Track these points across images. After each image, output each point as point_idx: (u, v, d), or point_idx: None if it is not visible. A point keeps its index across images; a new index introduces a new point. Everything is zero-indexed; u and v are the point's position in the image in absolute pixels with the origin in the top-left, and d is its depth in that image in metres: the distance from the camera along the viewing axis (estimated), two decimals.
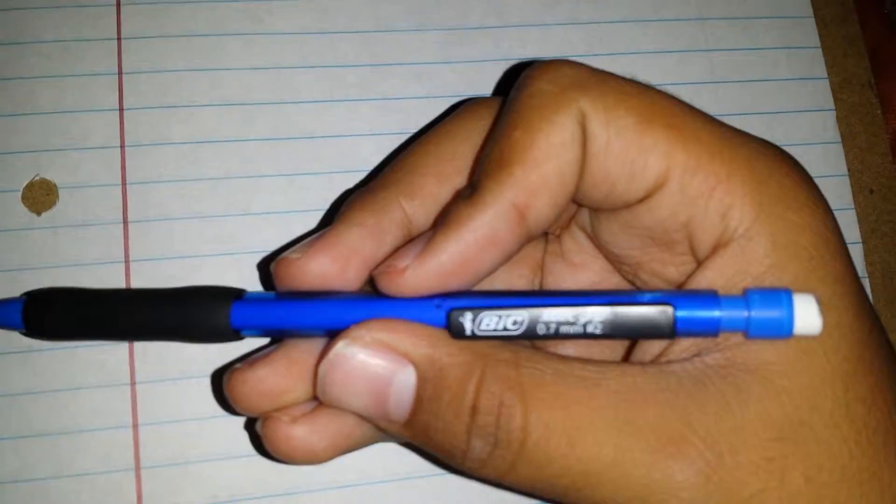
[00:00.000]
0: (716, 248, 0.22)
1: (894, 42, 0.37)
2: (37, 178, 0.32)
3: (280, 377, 0.24)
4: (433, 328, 0.22)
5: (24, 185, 0.31)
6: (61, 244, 0.31)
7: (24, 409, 0.30)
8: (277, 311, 0.24)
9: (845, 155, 0.35)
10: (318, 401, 0.24)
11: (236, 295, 0.25)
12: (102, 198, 0.32)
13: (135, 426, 0.30)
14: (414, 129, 0.34)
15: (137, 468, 0.30)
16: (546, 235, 0.28)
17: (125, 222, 0.32)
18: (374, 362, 0.22)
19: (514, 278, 0.28)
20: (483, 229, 0.22)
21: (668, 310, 0.21)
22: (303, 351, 0.24)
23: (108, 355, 0.30)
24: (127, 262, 0.31)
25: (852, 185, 0.35)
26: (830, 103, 0.36)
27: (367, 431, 0.24)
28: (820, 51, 0.36)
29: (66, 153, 0.32)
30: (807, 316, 0.20)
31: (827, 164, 0.35)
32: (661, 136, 0.22)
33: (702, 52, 0.36)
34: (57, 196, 0.31)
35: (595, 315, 0.22)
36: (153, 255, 0.31)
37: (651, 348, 0.23)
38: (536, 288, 0.27)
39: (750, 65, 0.36)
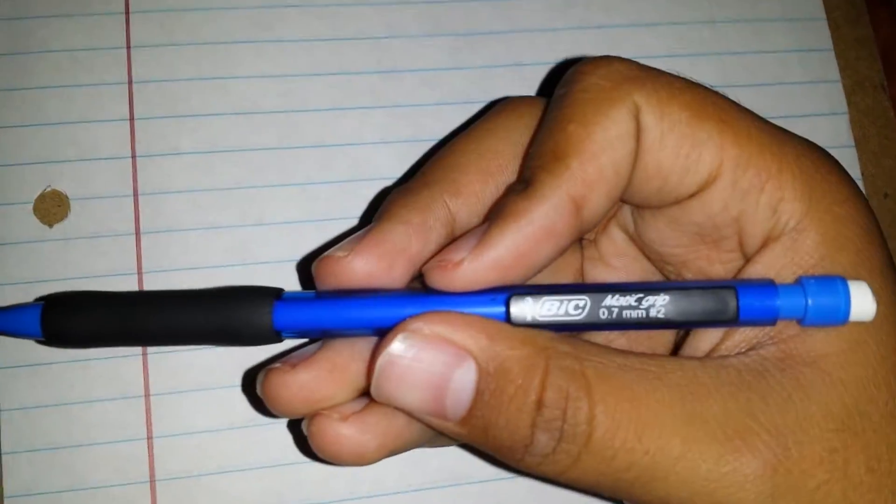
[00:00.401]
0: (766, 242, 0.22)
1: None
2: (48, 189, 0.31)
3: (322, 382, 0.23)
4: (491, 321, 0.21)
5: (36, 196, 0.31)
6: (73, 256, 0.31)
7: (38, 421, 0.30)
8: (322, 310, 0.23)
9: (859, 158, 0.35)
10: (363, 400, 0.23)
11: (276, 295, 0.23)
12: (114, 209, 0.32)
13: (149, 438, 0.30)
14: (425, 136, 0.33)
15: (152, 480, 0.30)
16: (581, 240, 0.28)
17: (137, 233, 0.31)
18: (432, 357, 0.21)
19: None
20: (541, 221, 0.21)
21: (732, 294, 0.21)
22: (345, 354, 0.23)
23: (122, 367, 0.30)
24: (140, 273, 0.31)
25: (866, 189, 0.35)
26: (843, 106, 0.36)
27: (417, 432, 0.24)
28: (832, 53, 0.36)
29: (77, 164, 0.32)
30: (861, 302, 0.21)
31: None
32: (714, 130, 0.22)
33: (713, 55, 0.36)
34: (69, 208, 0.31)
35: (658, 299, 0.21)
36: (166, 267, 0.31)
37: (702, 344, 0.23)
38: None
39: (762, 68, 0.36)
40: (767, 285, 0.22)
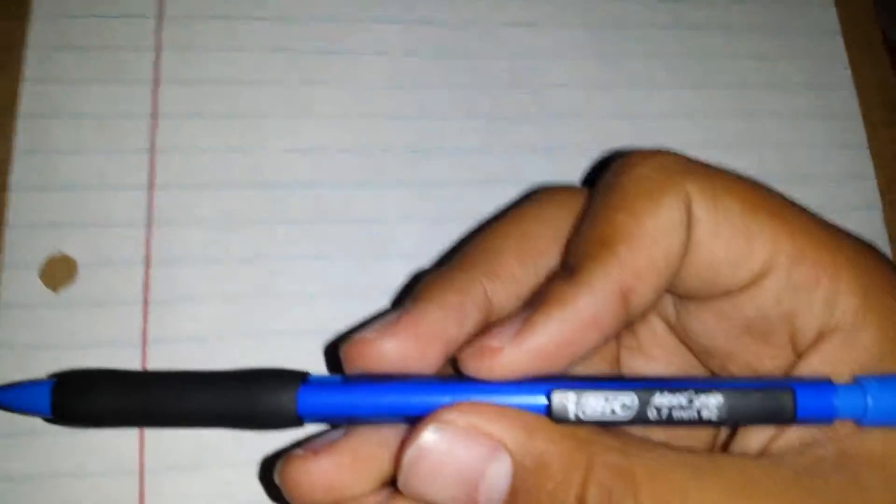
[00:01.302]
0: (820, 337, 0.21)
1: None
2: (57, 253, 0.30)
3: (346, 471, 0.21)
4: (529, 413, 0.20)
5: (44, 260, 0.30)
6: (77, 323, 0.30)
7: (27, 495, 0.28)
8: (349, 396, 0.21)
9: (893, 256, 0.35)
10: (385, 492, 0.22)
11: (301, 378, 0.22)
12: (124, 276, 0.30)
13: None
14: (450, 216, 0.33)
15: None
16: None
17: (145, 302, 0.30)
18: (465, 450, 0.19)
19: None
20: (587, 310, 0.20)
21: (789, 395, 0.20)
22: (372, 443, 0.22)
23: (116, 440, 0.29)
24: (144, 343, 0.30)
25: None
26: (878, 203, 0.35)
27: None
28: (867, 151, 0.36)
29: (89, 229, 0.31)
30: None
31: None
32: (767, 223, 0.22)
33: (747, 147, 0.35)
34: (76, 272, 0.30)
35: (711, 400, 0.20)
36: (172, 337, 0.30)
37: (753, 441, 0.22)
38: None
39: (799, 162, 0.36)
40: (825, 384, 0.21)
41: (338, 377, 0.22)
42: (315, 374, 0.23)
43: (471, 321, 0.22)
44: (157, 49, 0.33)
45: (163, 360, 0.30)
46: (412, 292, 0.23)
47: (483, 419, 0.20)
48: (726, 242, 0.22)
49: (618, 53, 0.36)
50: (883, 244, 0.35)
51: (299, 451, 0.22)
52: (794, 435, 0.21)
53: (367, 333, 0.22)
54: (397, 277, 0.32)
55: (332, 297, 0.31)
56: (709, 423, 0.20)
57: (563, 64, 0.36)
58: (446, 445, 0.19)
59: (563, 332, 0.20)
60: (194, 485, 0.29)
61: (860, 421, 0.20)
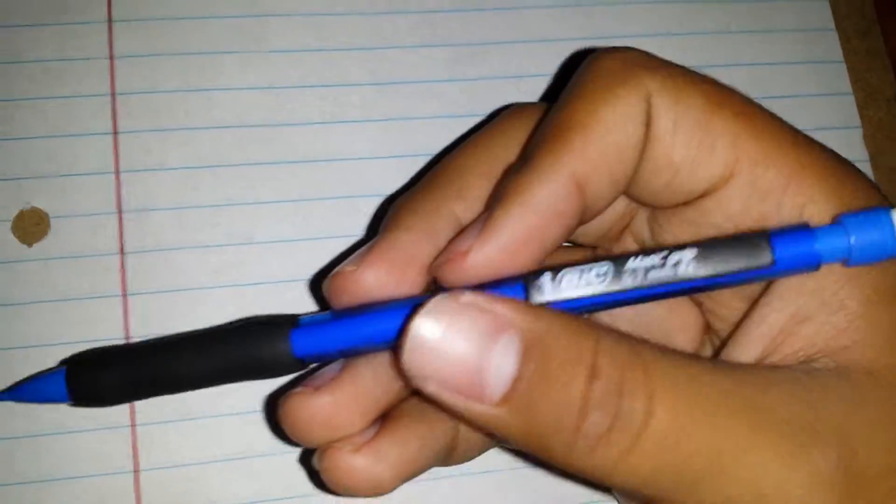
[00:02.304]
0: None
1: None
2: (27, 207, 0.30)
3: (345, 406, 0.22)
4: (528, 302, 0.20)
5: (14, 214, 0.30)
6: (54, 276, 0.30)
7: (21, 453, 0.28)
8: (340, 330, 0.22)
9: (873, 173, 0.34)
10: (374, 427, 0.22)
11: (292, 322, 0.22)
12: (97, 227, 0.30)
13: (136, 471, 0.29)
14: (420, 150, 0.32)
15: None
16: (595, 250, 0.27)
17: (121, 252, 0.30)
18: (469, 326, 0.18)
19: None
20: (545, 201, 0.20)
21: (764, 239, 0.20)
22: (367, 377, 0.22)
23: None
24: (124, 295, 0.30)
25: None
26: (856, 120, 0.35)
27: (432, 455, 0.22)
28: (843, 65, 0.35)
29: (57, 180, 0.30)
30: None
31: None
32: (731, 122, 0.21)
33: (723, 67, 0.35)
34: (49, 226, 0.30)
35: (685, 254, 0.20)
36: (151, 288, 0.30)
37: (746, 353, 0.21)
38: None
39: (772, 80, 0.35)
40: (803, 228, 0.20)
41: (328, 314, 0.23)
42: (305, 315, 0.23)
43: (443, 241, 0.22)
44: None
45: (144, 311, 0.30)
46: (385, 218, 0.23)
47: (486, 298, 0.19)
48: (686, 140, 0.21)
49: None
50: (863, 162, 0.34)
51: (299, 389, 0.22)
52: (789, 349, 0.21)
53: (346, 266, 0.22)
54: (370, 214, 0.31)
55: (306, 239, 0.31)
56: (688, 282, 0.20)
57: None
58: (448, 321, 0.19)
59: (525, 225, 0.20)
60: (191, 480, 0.29)
61: (848, 261, 0.20)
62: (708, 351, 0.25)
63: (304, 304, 0.30)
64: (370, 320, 0.21)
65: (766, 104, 0.34)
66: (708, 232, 0.22)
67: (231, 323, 0.24)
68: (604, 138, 0.21)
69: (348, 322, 0.22)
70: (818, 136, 0.34)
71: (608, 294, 0.20)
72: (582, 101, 0.21)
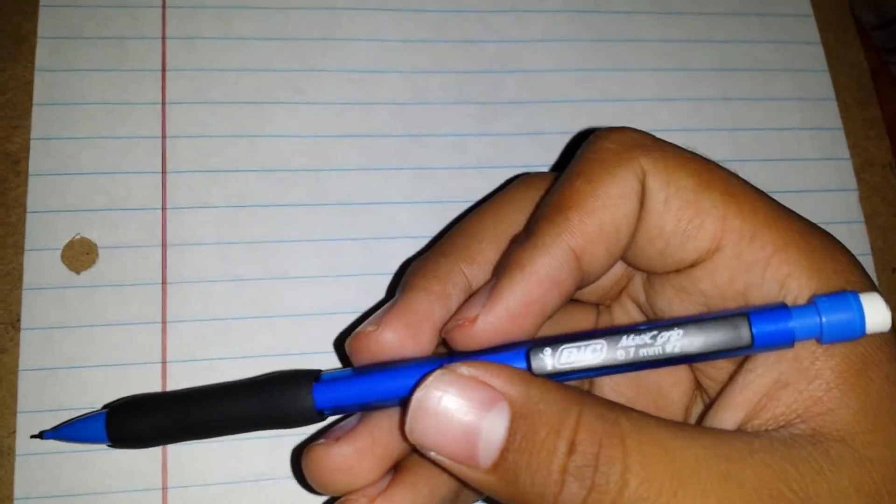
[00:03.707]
0: None
1: None
2: (77, 237, 0.32)
3: (363, 456, 0.24)
4: (525, 371, 0.22)
5: (65, 244, 0.32)
6: (99, 303, 0.31)
7: (53, 468, 0.30)
8: (358, 385, 0.24)
9: (868, 234, 0.36)
10: (388, 477, 0.24)
11: (315, 376, 0.25)
12: (142, 258, 0.32)
13: (164, 489, 0.30)
14: (448, 198, 0.34)
15: None
16: (597, 307, 0.29)
17: (164, 283, 0.32)
18: (466, 396, 0.21)
19: None
20: (545, 270, 0.22)
21: (744, 321, 0.22)
22: (384, 429, 0.24)
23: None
24: (164, 322, 0.32)
25: (875, 264, 0.36)
26: (853, 183, 0.37)
27: (440, 501, 0.24)
28: (842, 132, 0.37)
29: (108, 213, 0.32)
30: (876, 314, 0.21)
31: (850, 242, 0.34)
32: (719, 200, 0.23)
33: (727, 130, 0.37)
34: (97, 255, 0.32)
35: (672, 334, 0.22)
36: (190, 317, 0.32)
37: (726, 420, 0.23)
38: None
39: (774, 144, 0.37)
40: (780, 308, 0.22)
41: (348, 370, 0.25)
42: (327, 371, 0.25)
43: (455, 303, 0.24)
44: (163, 38, 0.35)
45: (182, 338, 0.31)
46: (402, 280, 0.26)
47: (483, 371, 0.21)
48: (677, 215, 0.23)
49: (603, 39, 0.38)
50: (858, 224, 0.36)
51: (321, 440, 0.24)
52: (768, 415, 0.22)
53: (366, 327, 0.24)
54: (398, 257, 0.33)
55: (337, 278, 0.33)
56: (675, 358, 0.22)
57: (551, 49, 0.37)
58: (448, 390, 0.21)
59: (526, 293, 0.22)
60: (217, 499, 0.30)
61: (820, 339, 0.21)
62: (699, 404, 0.27)
63: (330, 336, 0.32)
64: (386, 378, 0.24)
65: (767, 167, 0.37)
66: (697, 298, 0.24)
67: (260, 377, 0.26)
68: (600, 214, 0.23)
69: (366, 379, 0.24)
70: (816, 198, 0.36)
71: (602, 367, 0.22)
72: (581, 180, 0.23)
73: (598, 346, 0.22)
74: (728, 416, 0.23)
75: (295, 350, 0.32)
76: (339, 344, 0.32)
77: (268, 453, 0.31)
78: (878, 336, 0.22)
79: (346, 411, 0.25)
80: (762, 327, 0.22)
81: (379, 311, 0.25)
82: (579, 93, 0.37)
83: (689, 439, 0.20)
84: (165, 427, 0.26)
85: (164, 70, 0.34)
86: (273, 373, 0.26)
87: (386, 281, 0.33)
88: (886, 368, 0.22)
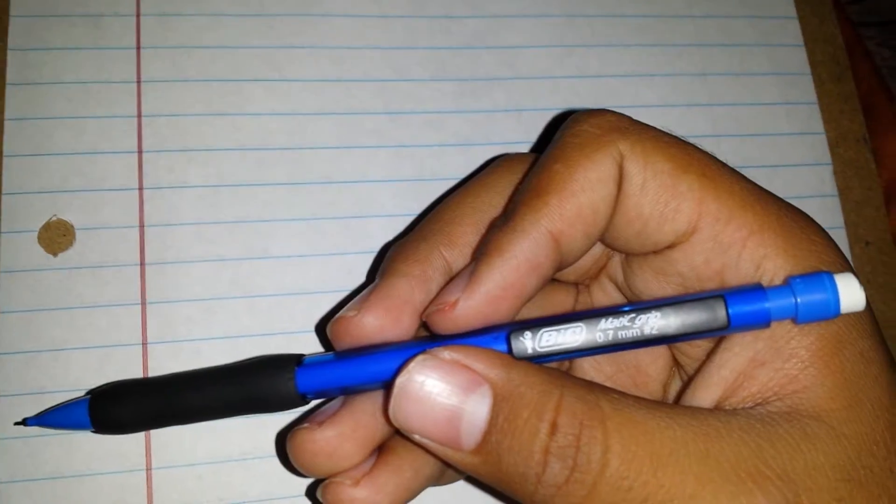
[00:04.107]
0: None
1: (886, 99, 0.39)
2: (54, 218, 0.32)
3: (346, 439, 0.24)
4: (506, 355, 0.22)
5: (41, 225, 0.32)
6: (77, 286, 0.31)
7: (36, 451, 0.30)
8: (340, 370, 0.24)
9: (842, 208, 0.37)
10: (371, 460, 0.24)
11: (297, 361, 0.25)
12: (119, 239, 0.32)
13: (148, 469, 0.30)
14: (428, 175, 0.34)
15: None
16: (577, 287, 0.29)
17: (142, 264, 0.32)
18: (449, 380, 0.21)
19: None
20: (523, 255, 0.23)
21: (720, 302, 0.22)
22: (367, 412, 0.24)
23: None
24: (143, 304, 0.31)
25: (849, 238, 0.36)
26: (827, 158, 0.37)
27: (425, 481, 0.25)
28: (817, 107, 0.38)
29: (83, 194, 0.32)
30: (850, 293, 0.22)
31: (824, 216, 0.36)
32: (696, 183, 0.23)
33: (704, 106, 0.37)
34: (74, 237, 0.32)
35: (650, 316, 0.22)
36: (169, 298, 0.32)
37: (705, 398, 0.23)
38: None
39: (750, 119, 0.37)
40: (755, 289, 0.22)
41: (330, 354, 0.25)
42: (309, 355, 0.25)
43: (435, 287, 0.25)
44: (137, 15, 0.34)
45: (162, 320, 0.31)
46: (383, 264, 0.26)
47: (465, 355, 0.22)
48: (653, 198, 0.23)
49: (580, 14, 0.38)
50: (832, 198, 0.37)
51: (304, 424, 0.25)
52: (745, 393, 0.23)
53: (347, 312, 0.24)
54: (379, 236, 0.34)
55: (317, 257, 0.33)
56: (653, 339, 0.22)
57: (529, 25, 0.37)
58: (431, 374, 0.21)
59: (504, 277, 0.23)
60: (201, 478, 0.31)
61: (795, 319, 0.22)
62: (677, 382, 0.27)
63: (312, 316, 0.32)
64: (368, 362, 0.24)
65: (743, 142, 0.37)
66: (674, 278, 0.25)
67: (243, 362, 0.26)
68: (578, 197, 0.23)
69: (348, 363, 0.24)
70: (791, 172, 0.37)
71: (582, 350, 0.23)
72: (559, 163, 0.24)
73: (578, 329, 0.22)
74: (705, 394, 0.23)
75: (276, 330, 0.32)
76: (321, 326, 0.32)
77: (252, 433, 0.31)
78: (853, 314, 0.22)
79: (329, 395, 0.25)
80: (738, 308, 0.22)
81: (359, 296, 0.25)
82: (557, 70, 0.37)
83: (668, 419, 0.21)
84: (148, 413, 0.26)
85: (138, 48, 0.34)
86: (255, 358, 0.26)
87: (367, 260, 0.33)
88: (860, 345, 0.22)
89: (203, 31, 0.34)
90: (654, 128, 0.25)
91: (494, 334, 0.23)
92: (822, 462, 0.21)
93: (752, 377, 0.23)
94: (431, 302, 0.24)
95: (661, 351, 0.27)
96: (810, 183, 0.37)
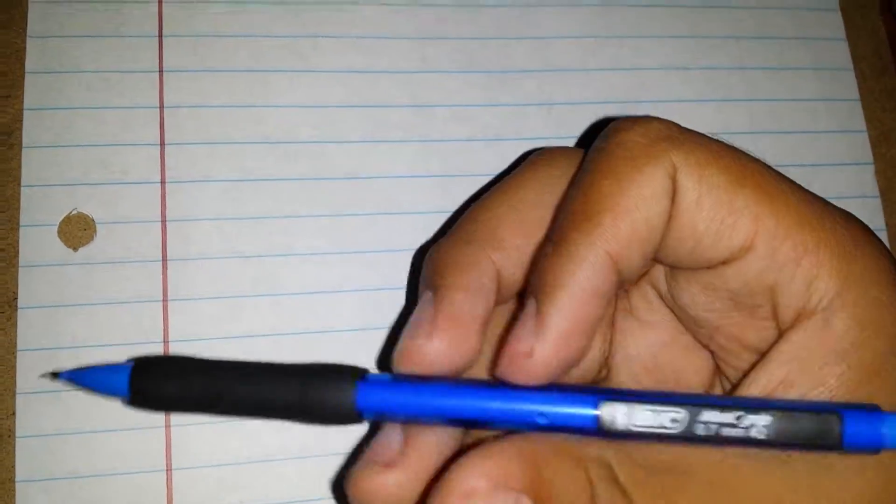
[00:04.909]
0: (798, 319, 0.22)
1: None
2: (74, 212, 0.31)
3: (415, 482, 0.22)
4: (529, 442, 0.21)
5: (61, 219, 0.31)
6: (97, 281, 0.31)
7: (55, 449, 0.29)
8: (406, 396, 0.22)
9: (883, 209, 0.36)
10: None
11: (360, 375, 0.23)
12: (141, 234, 0.31)
13: (168, 470, 0.29)
14: (456, 171, 0.33)
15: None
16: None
17: (164, 260, 0.31)
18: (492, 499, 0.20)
19: None
20: (587, 282, 0.21)
21: (836, 418, 0.21)
22: (433, 454, 0.23)
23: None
24: (165, 300, 0.31)
25: (890, 240, 0.35)
26: (869, 157, 0.36)
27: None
28: (859, 104, 0.37)
29: (104, 187, 0.31)
30: None
31: (864, 217, 0.34)
32: (752, 198, 0.22)
33: (742, 101, 0.36)
34: (95, 231, 0.31)
35: (760, 419, 0.21)
36: (192, 295, 0.31)
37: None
38: (606, 347, 0.27)
39: (789, 115, 0.36)
40: (874, 412, 0.21)
41: (388, 375, 0.23)
42: (373, 373, 0.23)
43: (492, 296, 0.23)
44: (159, 1, 0.33)
45: (184, 316, 0.31)
46: (427, 272, 0.24)
47: (502, 472, 0.20)
48: (709, 214, 0.22)
49: (613, 3, 0.36)
50: (874, 199, 0.36)
51: (367, 464, 0.23)
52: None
53: (415, 340, 0.23)
54: (405, 233, 0.33)
55: (342, 252, 0.32)
56: (755, 442, 0.21)
57: (562, 14, 0.36)
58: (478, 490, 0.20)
59: (574, 312, 0.21)
60: (222, 480, 0.30)
61: None
62: (718, 390, 0.26)
63: (336, 315, 0.32)
64: (436, 392, 0.22)
65: (782, 139, 0.36)
66: (723, 294, 0.23)
67: (304, 364, 0.24)
68: (632, 215, 0.22)
69: (415, 389, 0.22)
70: (831, 171, 0.36)
71: (675, 437, 0.21)
72: (609, 179, 0.22)
73: (679, 416, 0.21)
74: (753, 386, 0.23)
75: (299, 329, 0.31)
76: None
77: (275, 433, 0.30)
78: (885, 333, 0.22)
79: (385, 419, 0.24)
80: (854, 431, 0.21)
81: (420, 317, 0.23)
82: (590, 61, 0.35)
83: (685, 477, 0.21)
84: (192, 395, 0.23)
85: (160, 36, 0.33)
86: (319, 363, 0.24)
87: (392, 258, 0.32)
88: (892, 377, 0.22)
89: (227, 20, 0.33)
90: (705, 135, 0.23)
91: (581, 396, 0.21)
92: (843, 485, 0.21)
93: (796, 389, 0.22)
94: (501, 353, 0.22)
95: (704, 360, 0.26)
96: (851, 183, 0.36)
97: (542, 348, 0.21)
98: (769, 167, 0.23)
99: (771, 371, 0.22)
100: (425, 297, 0.23)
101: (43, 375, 0.28)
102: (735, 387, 0.24)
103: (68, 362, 0.30)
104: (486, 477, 0.20)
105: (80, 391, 0.29)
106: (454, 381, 0.22)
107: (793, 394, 0.22)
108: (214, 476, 0.30)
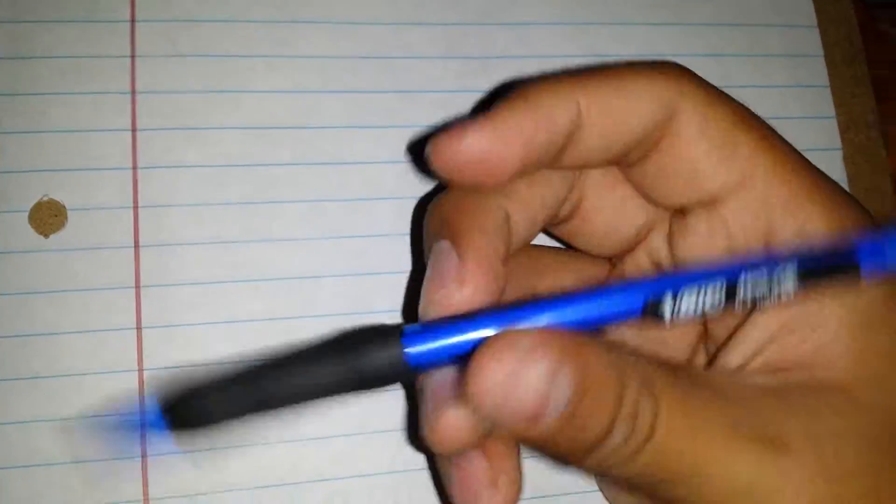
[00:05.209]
0: None
1: None
2: (45, 198, 0.30)
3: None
4: (575, 334, 0.21)
5: (32, 205, 0.30)
6: (70, 268, 0.30)
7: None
8: (447, 336, 0.21)
9: (851, 193, 0.36)
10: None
11: (399, 330, 0.22)
12: (113, 220, 0.31)
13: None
14: None
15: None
16: (611, 261, 0.28)
17: (136, 246, 0.31)
18: (531, 370, 0.20)
19: None
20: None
21: (850, 247, 0.22)
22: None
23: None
24: (138, 287, 0.30)
25: None
26: (837, 143, 0.37)
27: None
28: (828, 90, 0.37)
29: (76, 173, 0.31)
30: None
31: None
32: (752, 138, 0.24)
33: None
34: (66, 218, 0.30)
35: (787, 267, 0.22)
36: (166, 281, 0.30)
37: (731, 359, 0.24)
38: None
39: (760, 102, 0.36)
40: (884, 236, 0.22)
41: (428, 324, 0.22)
42: (408, 326, 0.22)
43: (508, 236, 0.24)
44: None
45: (157, 303, 0.30)
46: (434, 223, 0.24)
47: (544, 340, 0.20)
48: (710, 143, 0.24)
49: None
50: (842, 183, 0.36)
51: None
52: (770, 361, 0.23)
53: (443, 288, 0.22)
54: (386, 219, 0.32)
55: (323, 238, 0.32)
56: (782, 295, 0.22)
57: (545, 2, 0.36)
58: (514, 368, 0.20)
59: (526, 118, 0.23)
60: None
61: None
62: (701, 356, 0.27)
63: (317, 300, 0.31)
64: (477, 323, 0.21)
65: None
66: (721, 241, 0.24)
67: (337, 335, 0.22)
68: (613, 84, 0.24)
69: (455, 327, 0.21)
70: None
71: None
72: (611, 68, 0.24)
73: (717, 285, 0.22)
74: (733, 357, 0.24)
75: (279, 315, 0.31)
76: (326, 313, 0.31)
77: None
78: (885, 288, 0.23)
79: (431, 367, 0.22)
80: (868, 247, 0.22)
81: (443, 267, 0.23)
82: (568, 48, 0.35)
83: (704, 387, 0.22)
84: (237, 409, 0.22)
85: (133, 21, 0.32)
86: (351, 329, 0.22)
87: (374, 243, 0.32)
88: (891, 321, 0.23)
89: (202, 5, 0.33)
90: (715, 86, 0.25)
91: (633, 292, 0.22)
92: (845, 429, 0.21)
93: (778, 345, 0.23)
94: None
95: (690, 327, 0.27)
96: (819, 168, 0.36)
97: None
98: (769, 125, 0.25)
99: (766, 321, 0.23)
100: (441, 245, 0.23)
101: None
102: (724, 344, 0.25)
103: (41, 350, 0.29)
104: (531, 337, 0.20)
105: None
106: (487, 311, 0.22)
107: (792, 341, 0.23)
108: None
